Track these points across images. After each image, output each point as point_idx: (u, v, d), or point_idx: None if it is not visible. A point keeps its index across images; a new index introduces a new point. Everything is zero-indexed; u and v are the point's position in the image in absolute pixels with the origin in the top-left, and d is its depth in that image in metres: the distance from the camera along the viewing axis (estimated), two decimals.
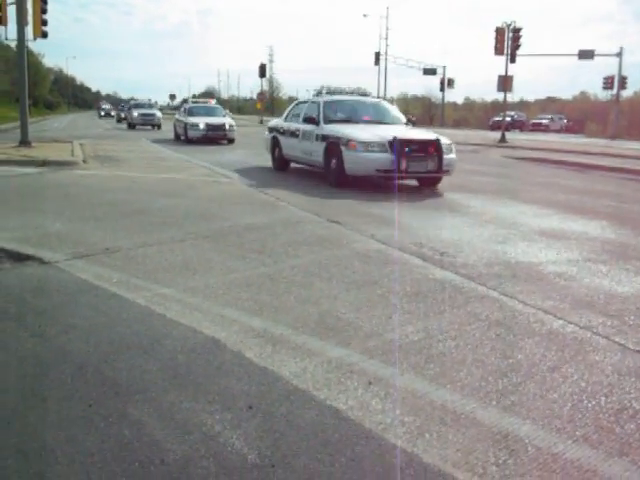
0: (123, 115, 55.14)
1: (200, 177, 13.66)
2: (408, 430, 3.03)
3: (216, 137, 27.14)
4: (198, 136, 26.71)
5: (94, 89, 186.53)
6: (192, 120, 27.34)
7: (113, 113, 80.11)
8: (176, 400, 3.30)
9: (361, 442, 2.92)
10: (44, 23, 19.87)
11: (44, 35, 20.05)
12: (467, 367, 3.78)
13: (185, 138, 27.48)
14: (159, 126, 42.01)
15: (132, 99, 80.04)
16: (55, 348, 4.02)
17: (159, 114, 43.27)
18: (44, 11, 19.82)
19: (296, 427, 3.05)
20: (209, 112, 29.29)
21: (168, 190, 11.40)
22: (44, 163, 15.20)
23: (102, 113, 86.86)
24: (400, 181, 12.19)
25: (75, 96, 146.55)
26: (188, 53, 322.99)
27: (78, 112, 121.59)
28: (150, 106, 46.32)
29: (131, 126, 43.03)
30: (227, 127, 27.29)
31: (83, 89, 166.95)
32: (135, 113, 42.79)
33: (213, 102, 34.01)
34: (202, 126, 26.66)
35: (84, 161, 16.46)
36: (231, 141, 27.29)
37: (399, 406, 3.26)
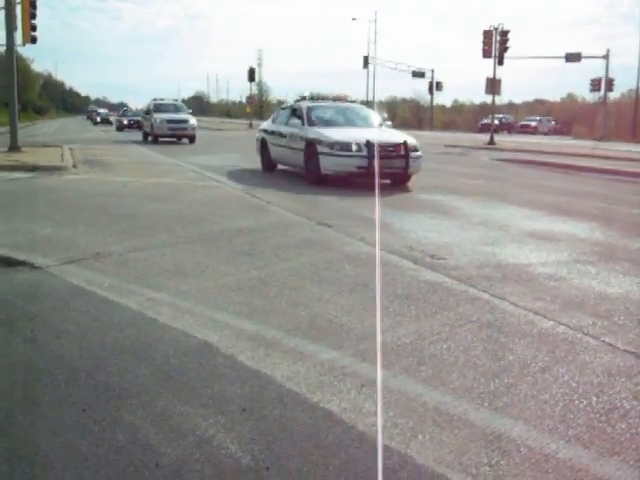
0: (126, 122, 45.93)
1: (189, 181, 13.65)
2: (401, 432, 3.04)
3: (390, 172, 12.86)
4: (350, 169, 12.67)
5: (83, 94, 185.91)
6: (328, 135, 13.06)
7: (112, 119, 66.24)
8: (169, 404, 3.31)
9: (355, 444, 2.93)
10: (33, 28, 19.85)
11: (33, 40, 20.03)
12: (459, 369, 3.80)
13: (310, 173, 13.35)
14: (193, 138, 30.01)
15: (122, 103, 75.64)
16: (48, 353, 4.02)
17: (193, 120, 30.53)
18: (33, 16, 19.79)
19: (290, 430, 3.05)
20: (352, 118, 14.84)
21: (158, 194, 11.39)
22: (34, 168, 15.16)
23: (98, 119, 69.96)
24: None
25: (64, 101, 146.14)
26: (177, 57, 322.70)
27: (67, 117, 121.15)
28: (177, 108, 32.58)
29: (150, 138, 30.13)
30: (411, 149, 12.89)
31: (72, 94, 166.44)
32: (158, 119, 29.52)
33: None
34: (356, 147, 12.50)
35: (74, 166, 16.43)
36: (407, 179, 13.24)
37: (392, 408, 3.28)
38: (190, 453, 2.85)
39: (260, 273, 5.88)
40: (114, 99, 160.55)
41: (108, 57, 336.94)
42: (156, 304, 4.93)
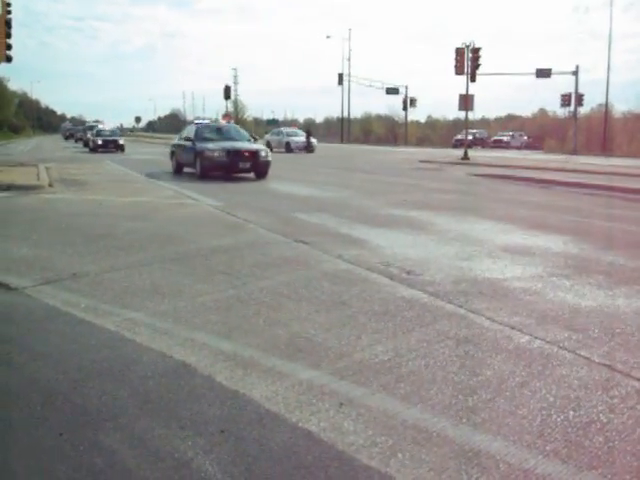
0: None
1: (166, 200, 13.61)
2: (381, 450, 3.05)
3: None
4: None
5: (59, 112, 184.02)
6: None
7: (122, 141, 42.70)
8: (148, 426, 3.28)
9: (334, 464, 2.93)
10: (8, 47, 19.73)
11: (8, 59, 19.91)
12: (437, 385, 3.82)
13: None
14: None
15: (97, 121, 68.59)
16: (24, 376, 3.97)
17: None
18: (8, 35, 19.68)
19: (269, 450, 3.05)
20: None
21: (134, 213, 11.34)
22: (9, 187, 15.06)
23: (99, 141, 41.92)
24: None
25: (40, 119, 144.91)
26: (153, 75, 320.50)
27: (43, 135, 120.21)
28: None
29: None
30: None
31: (48, 112, 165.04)
32: None
33: None
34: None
35: (50, 185, 16.31)
36: None
37: (371, 426, 3.28)
38: (169, 476, 2.83)
39: (238, 292, 5.87)
40: (90, 117, 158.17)
41: (84, 75, 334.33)
42: (133, 325, 4.90)
